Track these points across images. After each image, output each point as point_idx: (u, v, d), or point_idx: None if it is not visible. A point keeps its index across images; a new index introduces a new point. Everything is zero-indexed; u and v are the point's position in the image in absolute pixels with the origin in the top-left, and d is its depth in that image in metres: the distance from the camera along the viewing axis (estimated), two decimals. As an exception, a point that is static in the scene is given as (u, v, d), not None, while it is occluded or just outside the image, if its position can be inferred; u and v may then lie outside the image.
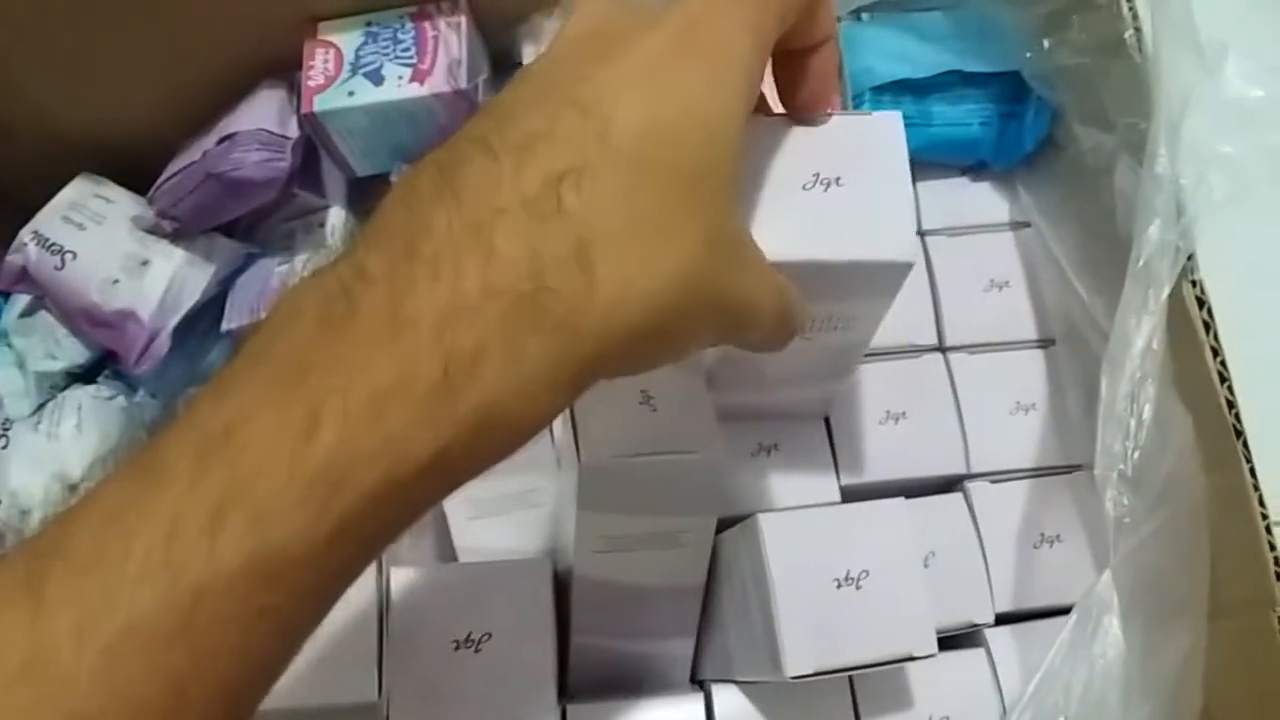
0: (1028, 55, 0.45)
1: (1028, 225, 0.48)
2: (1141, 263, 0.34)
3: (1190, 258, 0.35)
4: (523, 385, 0.21)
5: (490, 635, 0.36)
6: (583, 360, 0.22)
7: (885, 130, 0.32)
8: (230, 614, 0.20)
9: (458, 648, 0.35)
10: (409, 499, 0.21)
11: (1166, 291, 0.34)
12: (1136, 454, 0.33)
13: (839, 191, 0.31)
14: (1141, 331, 0.33)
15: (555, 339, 0.21)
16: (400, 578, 0.36)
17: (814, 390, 0.44)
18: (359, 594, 0.34)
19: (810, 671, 0.35)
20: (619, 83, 0.23)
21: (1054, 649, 0.32)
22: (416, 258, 0.21)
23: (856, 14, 0.49)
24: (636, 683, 0.45)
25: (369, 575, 0.34)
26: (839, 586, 0.36)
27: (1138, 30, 0.39)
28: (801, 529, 0.37)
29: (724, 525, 0.41)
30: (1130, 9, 0.39)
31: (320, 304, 0.21)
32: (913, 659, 0.36)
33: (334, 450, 0.20)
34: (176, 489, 0.19)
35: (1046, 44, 0.43)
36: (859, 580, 0.36)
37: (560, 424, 0.42)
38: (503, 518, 0.46)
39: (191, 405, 0.21)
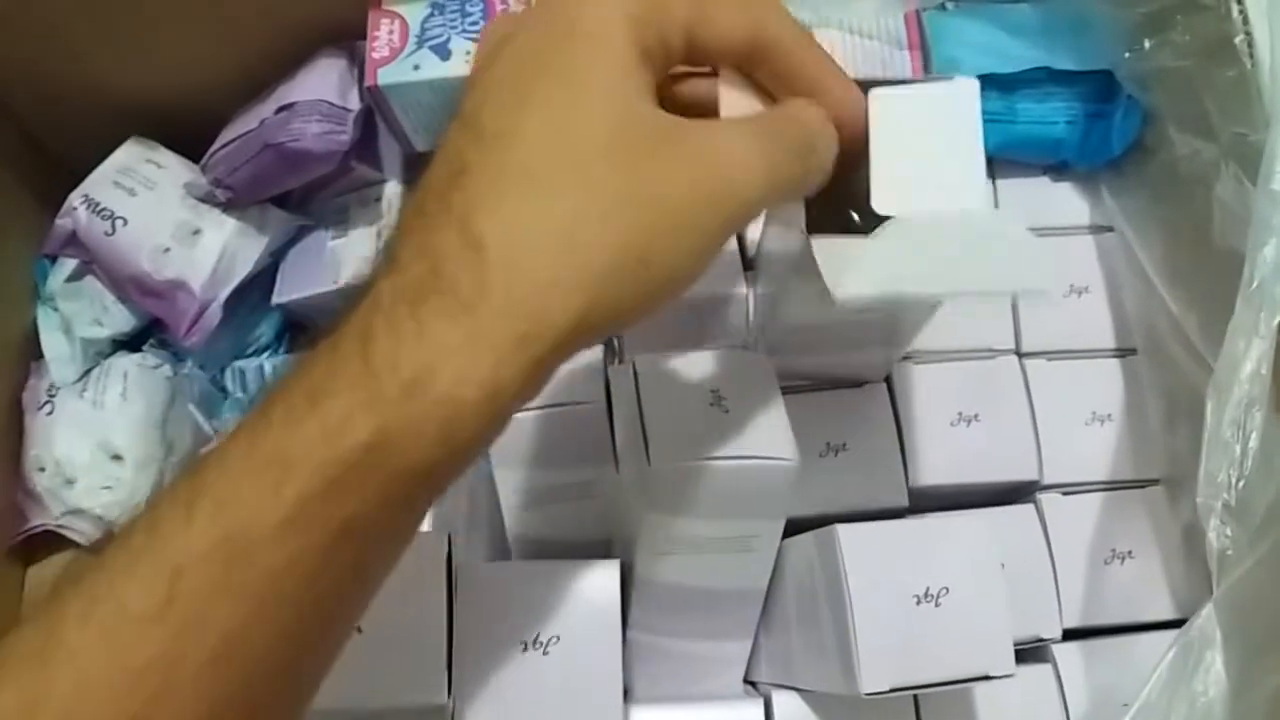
0: (1125, 55, 0.43)
1: (1110, 230, 0.47)
2: (1255, 284, 0.32)
3: (1303, 279, 0.33)
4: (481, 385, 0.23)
5: (558, 638, 0.35)
6: (535, 361, 0.23)
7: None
8: (203, 591, 0.22)
9: (525, 649, 0.35)
10: (360, 484, 0.23)
11: (1280, 317, 0.32)
12: (1241, 484, 0.32)
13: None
14: (1251, 356, 0.32)
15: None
16: (468, 577, 0.35)
17: (875, 354, 0.43)
18: (427, 593, 0.33)
19: (886, 689, 0.34)
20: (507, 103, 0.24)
21: (1151, 681, 0.31)
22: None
23: (942, 4, 0.47)
24: (689, 680, 0.44)
25: (438, 574, 0.34)
26: (918, 603, 0.35)
27: (1249, 34, 0.37)
28: (880, 542, 0.36)
29: (789, 526, 0.40)
30: (1241, 12, 0.38)
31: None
32: (989, 678, 0.35)
33: (280, 440, 0.22)
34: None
35: (1147, 44, 0.42)
36: (938, 597, 0.35)
37: (623, 421, 0.41)
38: (558, 507, 0.45)
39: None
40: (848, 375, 0.45)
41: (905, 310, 0.39)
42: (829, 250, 0.31)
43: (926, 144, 0.32)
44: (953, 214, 0.31)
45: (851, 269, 0.30)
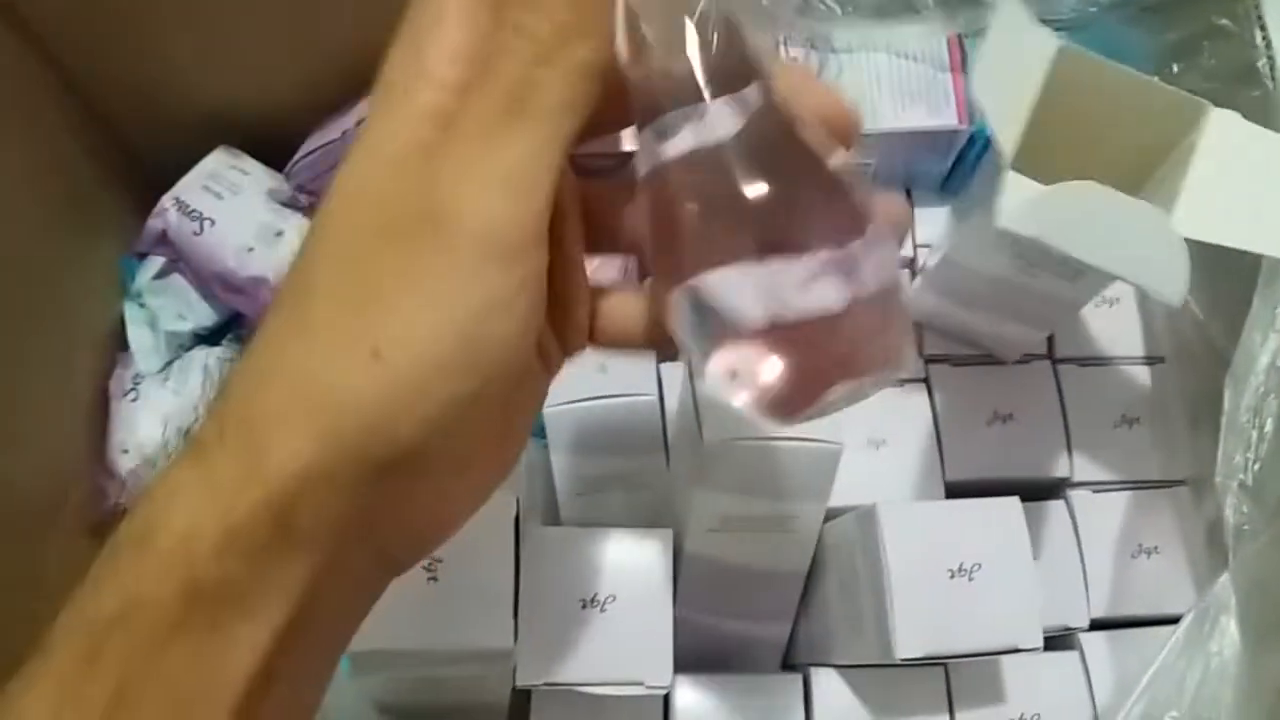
0: (1156, 79, 0.45)
1: (1142, 243, 0.49)
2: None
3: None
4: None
5: (615, 597, 0.37)
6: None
7: None
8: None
9: (585, 606, 0.37)
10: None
11: (1294, 310, 0.35)
12: (1257, 465, 0.34)
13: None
14: (1267, 348, 0.35)
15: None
16: (532, 538, 0.38)
17: (1021, 329, 0.46)
18: (497, 547, 0.36)
19: (919, 655, 0.36)
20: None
21: (1169, 645, 0.34)
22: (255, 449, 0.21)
23: (983, 30, 0.50)
24: (729, 661, 0.46)
25: (506, 534, 0.36)
26: (952, 577, 0.37)
27: (1270, 59, 0.40)
28: (918, 520, 0.38)
29: (829, 516, 0.42)
30: (1264, 37, 0.40)
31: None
32: (1018, 651, 0.37)
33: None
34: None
35: (1176, 68, 0.44)
36: (971, 572, 0.37)
37: (678, 404, 0.43)
38: (608, 495, 0.47)
39: None
40: (993, 346, 0.47)
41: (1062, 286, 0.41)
42: (1019, 185, 0.33)
43: (1252, 182, 0.34)
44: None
45: (1027, 208, 0.32)
